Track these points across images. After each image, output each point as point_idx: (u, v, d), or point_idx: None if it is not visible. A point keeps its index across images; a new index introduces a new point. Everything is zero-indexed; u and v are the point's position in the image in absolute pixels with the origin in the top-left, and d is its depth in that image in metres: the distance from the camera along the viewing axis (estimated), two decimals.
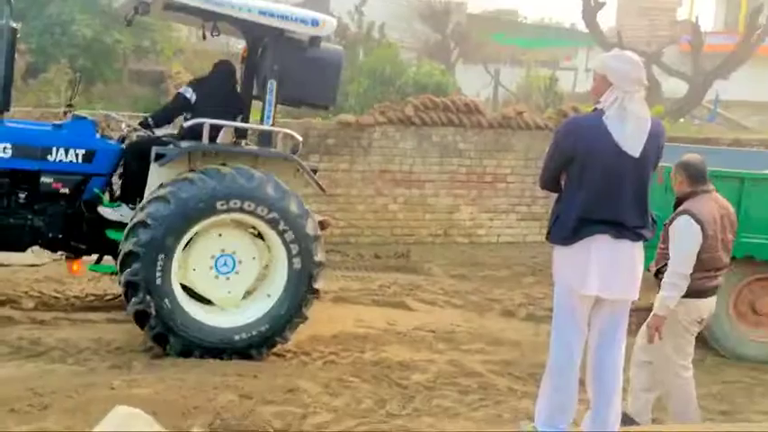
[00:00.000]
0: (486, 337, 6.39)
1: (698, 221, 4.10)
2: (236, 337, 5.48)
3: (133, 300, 5.26)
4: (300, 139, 6.18)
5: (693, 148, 5.94)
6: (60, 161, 5.73)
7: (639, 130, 3.18)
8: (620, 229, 3.19)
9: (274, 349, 5.66)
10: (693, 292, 4.19)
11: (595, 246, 3.20)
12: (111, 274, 5.95)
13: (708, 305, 4.41)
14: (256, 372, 5.15)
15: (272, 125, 5.82)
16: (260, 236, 5.71)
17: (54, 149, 5.71)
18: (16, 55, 5.98)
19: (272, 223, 5.49)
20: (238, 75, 6.36)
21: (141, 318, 5.30)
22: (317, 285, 5.68)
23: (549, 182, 3.39)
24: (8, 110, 5.69)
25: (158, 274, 5.24)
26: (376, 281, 7.99)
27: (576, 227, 3.21)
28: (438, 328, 6.54)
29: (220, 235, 5.57)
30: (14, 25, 5.60)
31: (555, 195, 3.43)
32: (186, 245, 5.43)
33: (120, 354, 5.48)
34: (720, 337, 6.22)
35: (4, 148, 5.61)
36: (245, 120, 6.23)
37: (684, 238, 4.08)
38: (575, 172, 3.23)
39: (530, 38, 31.79)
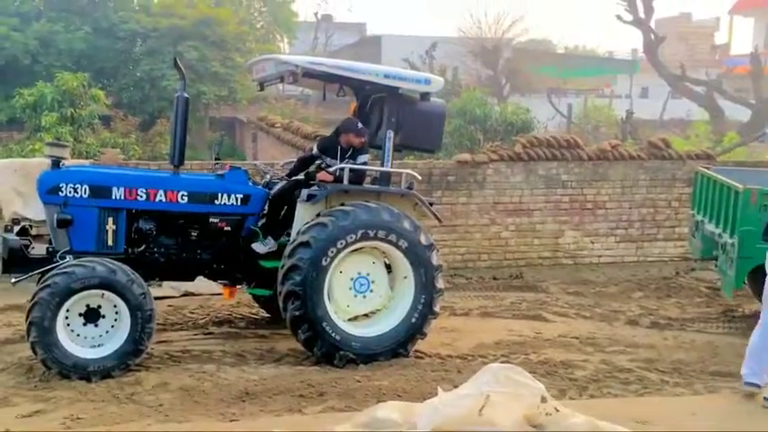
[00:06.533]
0: (622, 342, 7.36)
1: None
2: (371, 346, 6.32)
3: (291, 307, 6.10)
4: (419, 177, 7.02)
5: None
6: (224, 204, 6.68)
7: None
8: None
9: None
10: None
11: None
12: (266, 296, 6.88)
13: None
14: (453, 369, 6.28)
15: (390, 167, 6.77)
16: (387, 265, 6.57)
17: (219, 195, 6.66)
18: None
19: (405, 252, 6.40)
20: None
21: (296, 323, 6.13)
22: (436, 308, 6.60)
23: None
24: (183, 164, 6.70)
25: (314, 286, 6.10)
26: (505, 299, 9.03)
27: None
28: (579, 335, 7.52)
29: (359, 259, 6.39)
30: (187, 96, 6.59)
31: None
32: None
33: None
34: None
35: (182, 196, 6.57)
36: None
37: None
38: None
39: (572, 68, 33.17)
